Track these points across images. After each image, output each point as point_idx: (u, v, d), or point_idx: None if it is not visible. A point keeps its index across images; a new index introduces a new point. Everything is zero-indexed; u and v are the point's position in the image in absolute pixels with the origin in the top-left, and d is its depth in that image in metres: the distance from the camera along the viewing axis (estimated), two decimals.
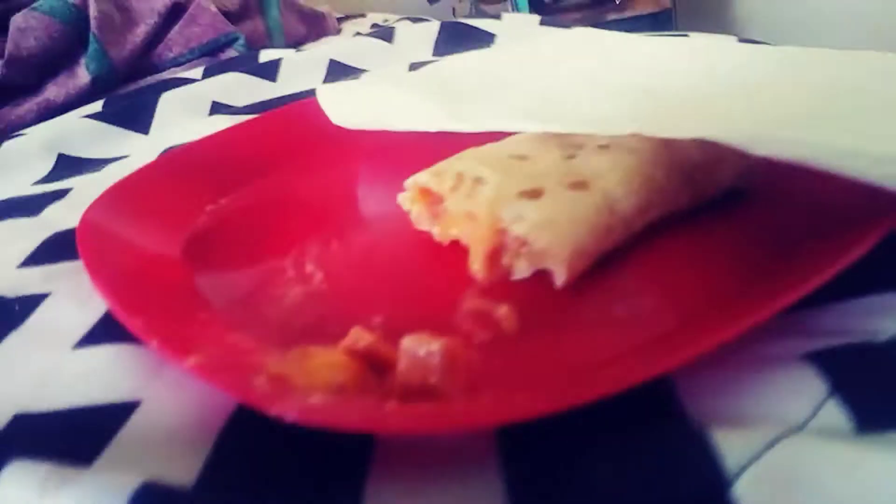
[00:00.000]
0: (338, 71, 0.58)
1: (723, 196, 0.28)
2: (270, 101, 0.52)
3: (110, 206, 0.33)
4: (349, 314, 0.24)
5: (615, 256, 0.25)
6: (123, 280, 0.26)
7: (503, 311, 0.23)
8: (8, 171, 0.47)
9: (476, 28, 0.63)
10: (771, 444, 0.15)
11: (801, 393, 0.17)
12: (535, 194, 0.25)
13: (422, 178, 0.27)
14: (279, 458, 0.18)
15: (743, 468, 0.15)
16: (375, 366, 0.21)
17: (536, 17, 0.67)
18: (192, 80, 0.62)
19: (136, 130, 0.52)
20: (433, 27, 0.63)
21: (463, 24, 0.63)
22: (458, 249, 0.27)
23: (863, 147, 0.20)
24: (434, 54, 0.61)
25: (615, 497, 0.15)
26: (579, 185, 0.25)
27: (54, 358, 0.24)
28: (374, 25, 0.92)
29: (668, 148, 0.26)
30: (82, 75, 0.65)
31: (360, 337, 0.21)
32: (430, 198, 0.27)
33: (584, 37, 0.45)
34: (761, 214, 0.27)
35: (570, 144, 0.28)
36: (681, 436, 0.16)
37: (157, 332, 0.21)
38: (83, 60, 0.65)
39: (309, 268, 0.28)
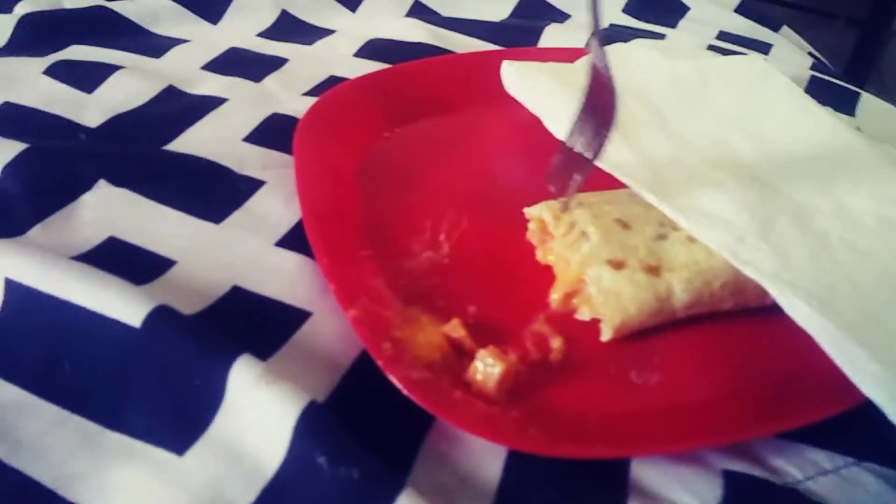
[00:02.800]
0: (529, 3, 0.62)
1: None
2: (459, 20, 0.58)
3: (315, 118, 0.42)
4: (455, 294, 0.34)
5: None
6: (317, 200, 0.36)
7: (557, 343, 0.32)
8: (238, 14, 0.57)
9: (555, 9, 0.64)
10: None
11: (700, 497, 0.26)
12: (617, 266, 0.33)
13: (545, 213, 0.35)
14: (381, 396, 0.28)
15: None
16: (460, 352, 0.31)
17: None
18: None
19: (347, 7, 0.60)
20: None
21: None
22: (548, 273, 0.35)
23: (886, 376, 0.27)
24: (625, 11, 0.63)
25: None
26: (653, 269, 0.33)
27: (261, 246, 0.35)
28: None
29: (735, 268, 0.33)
30: None
31: (455, 329, 0.31)
32: (546, 228, 0.36)
33: (752, 78, 0.48)
34: (787, 330, 0.34)
35: (668, 224, 0.35)
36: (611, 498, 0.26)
37: (332, 276, 0.31)
38: None
39: (441, 237, 0.37)
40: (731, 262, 0.32)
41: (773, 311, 0.33)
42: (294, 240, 0.36)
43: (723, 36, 0.61)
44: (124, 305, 0.29)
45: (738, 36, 0.61)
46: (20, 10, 0.55)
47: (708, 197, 0.35)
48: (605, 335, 0.32)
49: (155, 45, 0.52)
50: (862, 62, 1.48)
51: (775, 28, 0.65)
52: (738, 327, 0.34)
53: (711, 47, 0.58)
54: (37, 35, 0.52)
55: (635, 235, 0.34)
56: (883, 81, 1.52)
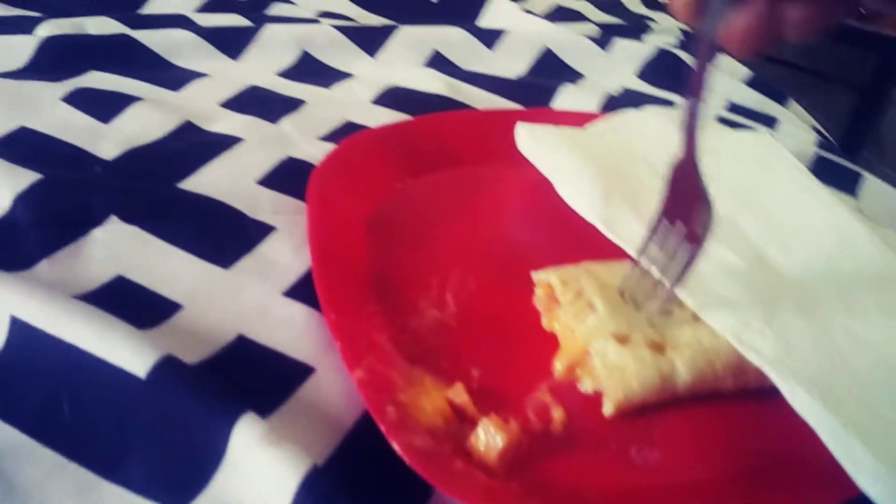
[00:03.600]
0: (545, 62, 0.63)
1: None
2: (476, 75, 0.59)
3: (330, 166, 0.43)
4: (459, 356, 0.34)
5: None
6: (327, 251, 0.37)
7: (558, 414, 0.32)
8: (260, 51, 0.58)
9: (687, 66, 0.65)
10: None
11: None
12: (622, 340, 0.33)
13: (553, 279, 0.36)
14: (382, 460, 0.28)
15: None
16: (462, 417, 0.31)
17: (746, 71, 0.68)
18: (427, 1, 0.69)
19: (367, 52, 0.60)
20: (648, 50, 0.66)
21: (675, 55, 0.66)
22: (552, 339, 0.35)
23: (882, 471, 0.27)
24: (639, 76, 0.65)
25: None
26: (657, 347, 0.33)
27: (269, 295, 0.35)
28: None
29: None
30: None
31: (459, 394, 0.31)
32: (553, 294, 0.36)
33: (760, 155, 0.49)
34: (787, 414, 0.34)
35: (674, 300, 0.35)
36: None
37: (339, 333, 0.32)
38: None
39: (448, 295, 0.38)
40: (734, 345, 0.32)
41: (772, 393, 0.33)
42: (302, 290, 0.36)
43: (732, 107, 0.62)
44: (130, 353, 0.29)
45: (747, 108, 0.62)
46: (42, 31, 0.55)
47: (714, 276, 0.36)
48: (607, 409, 0.32)
49: (175, 78, 0.52)
50: (860, 127, 1.52)
51: (782, 101, 0.66)
52: (737, 408, 0.34)
53: (721, 119, 0.59)
54: (58, 59, 0.52)
55: (640, 310, 0.35)
56: (881, 146, 1.55)
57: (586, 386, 0.34)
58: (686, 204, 0.33)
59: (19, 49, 0.52)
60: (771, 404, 0.33)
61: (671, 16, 0.86)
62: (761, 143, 0.51)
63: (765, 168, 0.48)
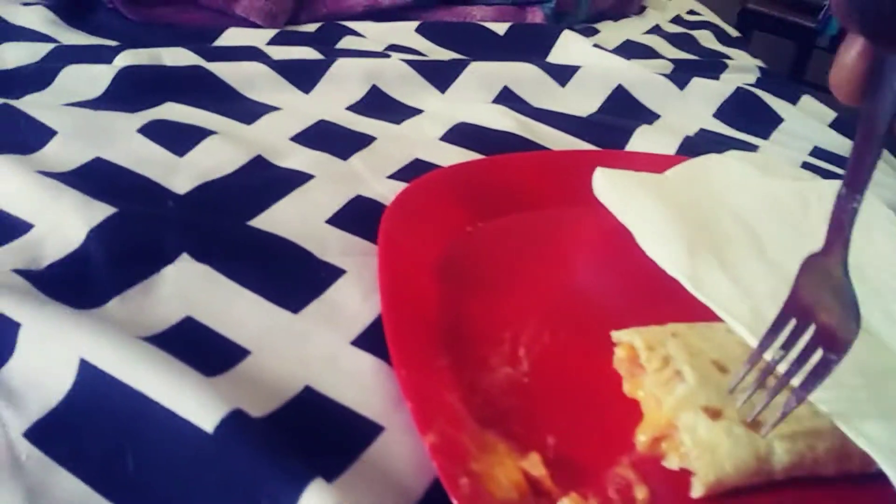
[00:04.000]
0: (618, 100, 0.61)
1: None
2: (547, 112, 0.58)
3: (401, 209, 0.42)
4: (533, 420, 0.32)
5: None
6: (397, 301, 0.35)
7: (642, 494, 0.29)
8: (330, 85, 0.57)
9: (767, 106, 0.62)
10: None
11: None
12: (714, 414, 0.30)
13: (637, 342, 0.33)
14: None
15: None
16: (537, 490, 0.29)
17: (831, 114, 0.65)
18: (496, 35, 0.68)
19: (436, 87, 0.60)
20: (726, 89, 0.63)
21: (754, 95, 0.63)
22: (633, 406, 0.33)
23: None
24: (717, 116, 0.62)
25: None
26: (752, 423, 0.30)
27: (337, 344, 0.34)
28: (677, 19, 0.90)
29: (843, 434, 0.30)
30: None
31: (535, 466, 0.29)
32: (636, 358, 0.34)
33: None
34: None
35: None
36: None
37: (410, 393, 0.30)
38: None
39: (521, 351, 0.36)
40: (840, 427, 0.30)
41: (878, 478, 0.30)
42: (370, 339, 0.35)
43: (817, 152, 0.59)
44: (198, 405, 0.28)
45: (832, 153, 0.59)
46: (120, 61, 0.56)
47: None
48: (697, 492, 0.30)
49: (247, 111, 0.52)
50: None
51: None
52: (838, 492, 0.31)
53: (805, 165, 0.56)
54: (134, 89, 0.53)
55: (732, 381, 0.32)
56: None
57: (672, 462, 0.31)
58: (820, 303, 0.29)
59: (98, 78, 0.53)
60: (876, 490, 0.30)
61: (746, 52, 0.83)
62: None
63: (863, 223, 0.45)
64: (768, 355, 0.31)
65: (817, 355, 0.29)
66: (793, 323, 0.30)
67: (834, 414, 0.30)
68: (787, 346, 0.30)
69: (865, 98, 0.25)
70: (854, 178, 0.27)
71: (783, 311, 0.31)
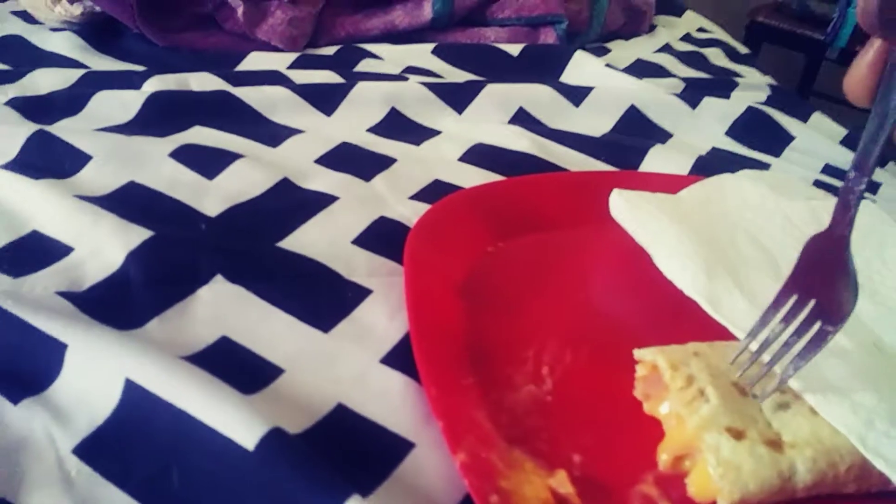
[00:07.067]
0: (631, 119, 0.63)
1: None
2: (562, 133, 0.59)
3: (424, 230, 0.43)
4: (559, 438, 0.33)
5: None
6: (424, 320, 0.36)
7: None
8: (351, 108, 0.59)
9: (778, 124, 0.63)
10: None
11: None
12: (737, 435, 0.31)
13: (660, 361, 0.34)
14: None
15: None
16: None
17: (841, 131, 0.66)
18: (509, 56, 0.70)
19: (454, 108, 0.61)
20: (738, 108, 0.64)
21: (765, 114, 0.64)
22: (655, 425, 0.34)
23: None
24: (729, 135, 0.63)
25: None
26: (775, 444, 0.31)
27: (367, 363, 0.35)
28: (687, 37, 0.92)
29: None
30: (426, 11, 0.75)
31: (563, 484, 0.30)
32: (656, 377, 0.35)
33: (866, 226, 0.47)
34: None
35: (787, 391, 0.33)
36: None
37: (440, 411, 0.31)
38: None
39: (544, 370, 0.37)
40: (859, 448, 0.30)
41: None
42: (398, 357, 0.36)
43: (828, 170, 0.60)
44: (239, 423, 0.29)
45: (843, 171, 0.59)
46: (148, 87, 0.58)
47: (831, 368, 0.34)
48: None
49: (272, 134, 0.54)
50: None
51: (882, 163, 0.63)
52: None
53: (817, 182, 0.57)
54: (163, 114, 0.55)
55: (754, 403, 0.33)
56: None
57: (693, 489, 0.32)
58: (821, 279, 0.32)
59: (128, 104, 0.55)
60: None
61: (756, 68, 0.85)
62: (866, 213, 0.49)
63: (873, 240, 0.46)
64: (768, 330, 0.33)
65: (815, 328, 0.31)
66: (794, 298, 0.32)
67: (852, 434, 0.31)
68: (787, 320, 0.32)
69: (876, 100, 0.29)
70: (862, 163, 0.30)
71: (785, 286, 0.33)
